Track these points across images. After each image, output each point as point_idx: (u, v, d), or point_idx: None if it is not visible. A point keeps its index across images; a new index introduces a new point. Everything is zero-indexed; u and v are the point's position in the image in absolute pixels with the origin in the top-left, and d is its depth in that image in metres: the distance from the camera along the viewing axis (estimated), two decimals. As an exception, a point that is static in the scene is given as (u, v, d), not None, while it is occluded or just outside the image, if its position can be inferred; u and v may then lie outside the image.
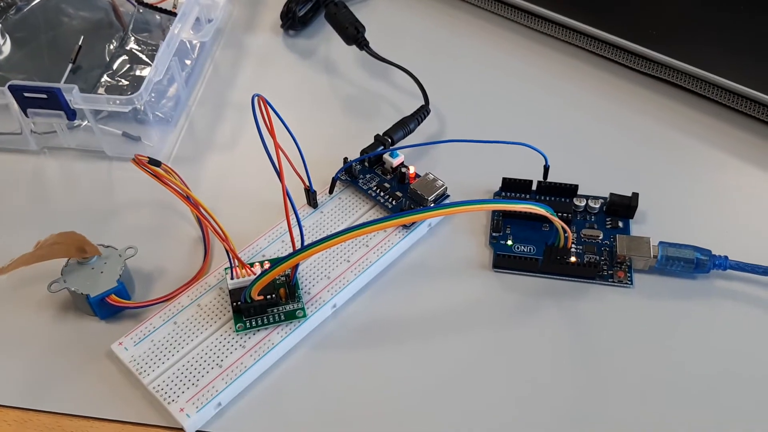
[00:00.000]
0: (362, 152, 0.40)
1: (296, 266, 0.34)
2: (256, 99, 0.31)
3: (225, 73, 0.49)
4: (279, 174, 0.30)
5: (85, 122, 0.43)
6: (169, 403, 0.31)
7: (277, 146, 0.30)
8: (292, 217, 0.32)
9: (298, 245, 0.33)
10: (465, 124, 0.45)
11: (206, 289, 0.35)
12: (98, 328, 0.35)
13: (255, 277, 0.32)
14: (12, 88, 0.39)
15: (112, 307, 0.34)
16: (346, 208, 0.39)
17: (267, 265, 0.35)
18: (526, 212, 0.37)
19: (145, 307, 0.35)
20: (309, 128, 0.44)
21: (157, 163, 0.35)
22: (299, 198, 0.39)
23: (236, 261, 0.33)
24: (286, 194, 0.30)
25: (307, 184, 0.38)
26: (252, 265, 0.34)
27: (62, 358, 0.34)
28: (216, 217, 0.33)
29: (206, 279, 0.36)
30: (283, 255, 0.36)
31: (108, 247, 0.36)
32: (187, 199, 0.33)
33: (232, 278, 0.34)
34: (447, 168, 0.41)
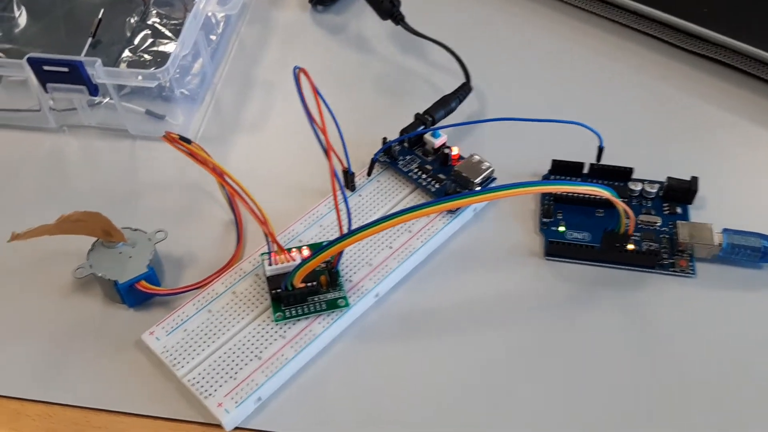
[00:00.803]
0: (402, 132, 0.38)
1: (341, 252, 0.32)
2: (297, 71, 0.29)
3: (251, 50, 0.47)
4: (327, 152, 0.27)
5: (107, 99, 0.41)
6: (205, 397, 0.29)
7: (322, 121, 0.28)
8: (340, 199, 0.30)
9: (345, 229, 0.31)
10: (506, 104, 0.42)
11: (241, 275, 0.33)
12: (126, 316, 0.33)
13: (298, 263, 0.30)
14: (31, 61, 0.36)
15: (141, 294, 0.32)
16: (385, 191, 0.37)
17: (306, 251, 0.33)
18: (581, 196, 0.35)
19: (177, 294, 0.33)
20: (341, 108, 0.42)
21: (188, 141, 0.33)
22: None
23: (275, 246, 0.31)
24: (334, 175, 0.28)
25: (346, 165, 0.36)
26: (289, 250, 0.33)
27: (88, 348, 0.32)
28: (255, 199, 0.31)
29: (240, 265, 0.34)
30: (321, 241, 0.34)
31: (136, 230, 0.34)
32: (224, 179, 0.30)
33: (270, 264, 0.32)
34: (490, 150, 0.38)
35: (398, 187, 0.37)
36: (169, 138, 0.30)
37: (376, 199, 0.37)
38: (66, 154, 0.41)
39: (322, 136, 0.28)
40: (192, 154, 0.30)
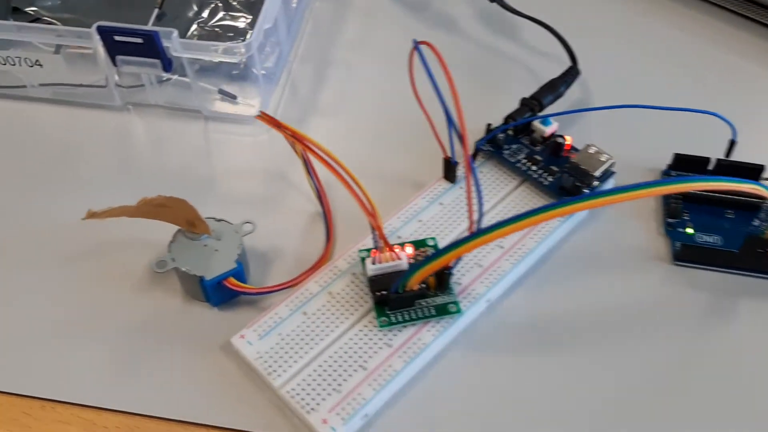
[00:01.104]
0: (507, 119, 0.34)
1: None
2: (417, 45, 0.26)
3: (326, 28, 0.43)
4: (462, 137, 0.24)
5: (175, 76, 0.38)
6: (308, 412, 0.26)
7: (456, 101, 0.24)
8: (462, 189, 0.26)
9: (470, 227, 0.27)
10: (615, 90, 0.38)
11: (336, 274, 0.30)
12: (209, 316, 0.30)
13: (418, 263, 0.26)
14: (101, 30, 0.33)
15: (228, 292, 0.29)
16: (489, 183, 0.33)
17: (410, 249, 0.29)
18: (712, 195, 0.31)
19: (268, 293, 0.29)
20: (429, 92, 0.38)
21: (278, 124, 0.30)
22: (432, 170, 0.33)
23: (381, 242, 0.28)
24: (470, 166, 0.24)
25: (449, 153, 0.32)
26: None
27: (169, 351, 0.29)
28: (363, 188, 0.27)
29: (335, 262, 0.30)
30: (424, 238, 0.31)
31: (221, 221, 0.30)
32: (332, 166, 0.27)
33: (374, 263, 0.28)
34: (597, 141, 0.34)
35: (503, 178, 0.33)
36: (267, 119, 0.27)
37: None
38: (133, 134, 0.37)
39: (455, 118, 0.24)
40: (297, 137, 0.26)
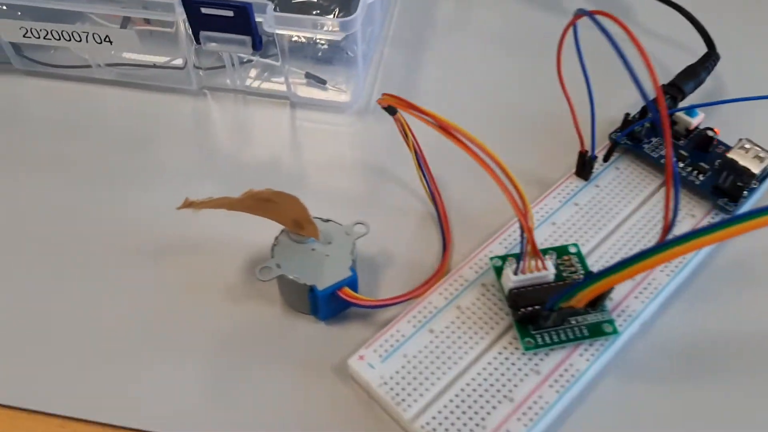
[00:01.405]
0: (642, 110, 0.30)
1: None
2: (587, 14, 0.22)
3: (418, 8, 0.39)
4: (663, 124, 0.19)
5: (256, 58, 0.34)
6: (452, 453, 0.22)
7: (651, 69, 0.20)
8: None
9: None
10: (751, 79, 0.34)
11: (462, 284, 0.26)
12: (316, 332, 0.25)
13: (594, 276, 0.21)
14: (187, 1, 0.29)
15: (340, 303, 0.25)
16: (628, 182, 0.29)
17: (550, 258, 0.25)
18: None
19: (388, 305, 0.25)
20: (540, 79, 0.34)
21: (393, 111, 0.26)
22: (556, 167, 0.29)
23: (529, 247, 0.24)
24: (671, 162, 0.20)
25: (587, 147, 0.28)
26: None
27: (273, 372, 0.24)
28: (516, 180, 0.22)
29: (460, 271, 0.26)
30: (560, 242, 0.26)
31: (328, 221, 0.26)
32: (479, 155, 0.22)
33: (515, 273, 0.24)
34: (740, 135, 0.29)
35: (644, 176, 0.29)
36: (398, 101, 0.23)
37: (617, 192, 0.28)
38: (211, 121, 0.33)
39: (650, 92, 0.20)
40: (444, 127, 0.22)
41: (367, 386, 0.23)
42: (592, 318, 0.24)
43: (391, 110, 0.26)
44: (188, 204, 0.23)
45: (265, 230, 0.26)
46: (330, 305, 0.25)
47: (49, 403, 0.24)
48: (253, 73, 0.34)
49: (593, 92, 0.26)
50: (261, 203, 0.24)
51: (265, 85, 0.33)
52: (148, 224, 0.28)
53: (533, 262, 0.24)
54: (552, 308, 0.23)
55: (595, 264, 0.26)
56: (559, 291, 0.22)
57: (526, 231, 0.23)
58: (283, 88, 0.33)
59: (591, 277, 0.21)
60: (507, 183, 0.22)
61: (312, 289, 0.24)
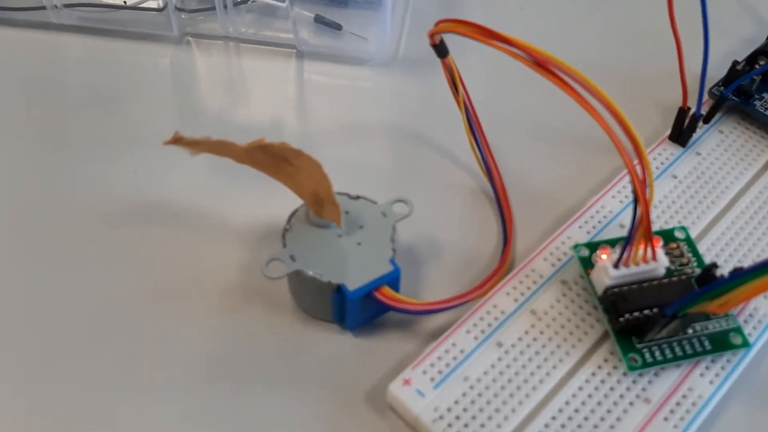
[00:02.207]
0: (755, 56, 0.24)
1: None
2: None
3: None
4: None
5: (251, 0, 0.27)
6: None
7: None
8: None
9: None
10: None
11: (536, 282, 0.19)
12: (342, 346, 0.19)
13: (742, 273, 0.15)
14: None
15: (377, 308, 0.18)
16: (737, 148, 0.23)
17: (659, 244, 0.19)
18: None
19: (442, 310, 0.19)
20: (619, 32, 0.28)
21: (444, 52, 0.20)
22: (648, 127, 0.24)
23: (641, 232, 0.17)
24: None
25: (689, 104, 0.22)
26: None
27: (281, 400, 0.18)
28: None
29: (532, 264, 0.20)
30: (662, 225, 0.20)
31: (357, 198, 0.20)
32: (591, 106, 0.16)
33: (616, 266, 0.18)
34: None
35: (756, 141, 0.23)
36: (463, 27, 0.17)
37: (725, 160, 0.22)
38: (198, 75, 0.26)
39: None
40: (543, 64, 0.16)
41: (414, 421, 0.17)
42: (713, 326, 0.18)
43: (442, 50, 0.20)
44: (178, 139, 0.17)
45: (274, 207, 0.20)
46: (362, 311, 0.18)
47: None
48: (249, 17, 0.27)
49: (708, 23, 0.20)
50: (274, 160, 0.18)
51: (265, 32, 0.27)
52: (113, 203, 0.22)
53: (641, 251, 0.18)
54: (675, 314, 0.17)
55: (707, 253, 0.20)
56: (687, 291, 0.16)
57: (641, 203, 0.16)
58: (288, 34, 0.27)
59: (744, 274, 0.15)
60: (621, 136, 0.16)
61: (339, 290, 0.18)
